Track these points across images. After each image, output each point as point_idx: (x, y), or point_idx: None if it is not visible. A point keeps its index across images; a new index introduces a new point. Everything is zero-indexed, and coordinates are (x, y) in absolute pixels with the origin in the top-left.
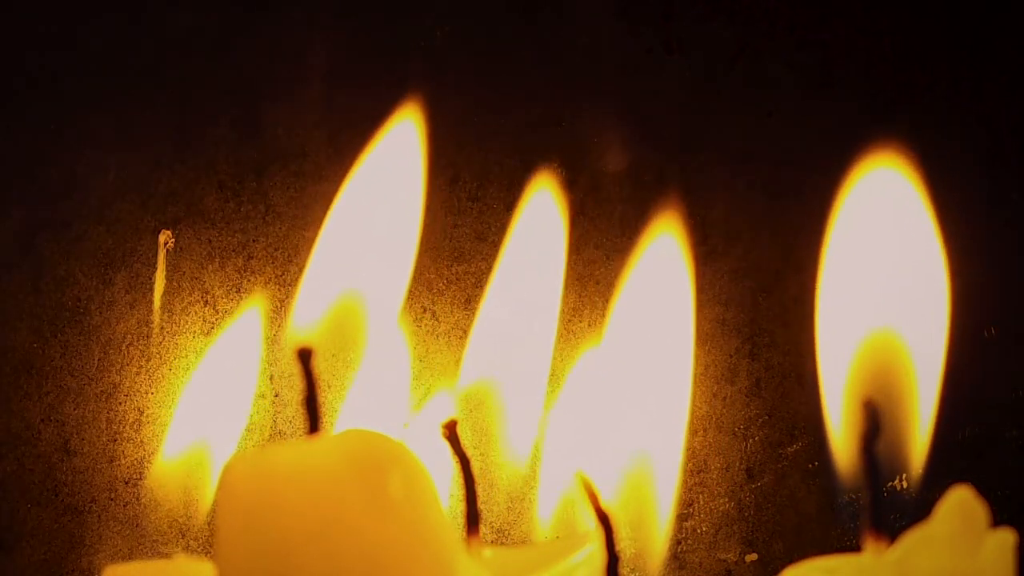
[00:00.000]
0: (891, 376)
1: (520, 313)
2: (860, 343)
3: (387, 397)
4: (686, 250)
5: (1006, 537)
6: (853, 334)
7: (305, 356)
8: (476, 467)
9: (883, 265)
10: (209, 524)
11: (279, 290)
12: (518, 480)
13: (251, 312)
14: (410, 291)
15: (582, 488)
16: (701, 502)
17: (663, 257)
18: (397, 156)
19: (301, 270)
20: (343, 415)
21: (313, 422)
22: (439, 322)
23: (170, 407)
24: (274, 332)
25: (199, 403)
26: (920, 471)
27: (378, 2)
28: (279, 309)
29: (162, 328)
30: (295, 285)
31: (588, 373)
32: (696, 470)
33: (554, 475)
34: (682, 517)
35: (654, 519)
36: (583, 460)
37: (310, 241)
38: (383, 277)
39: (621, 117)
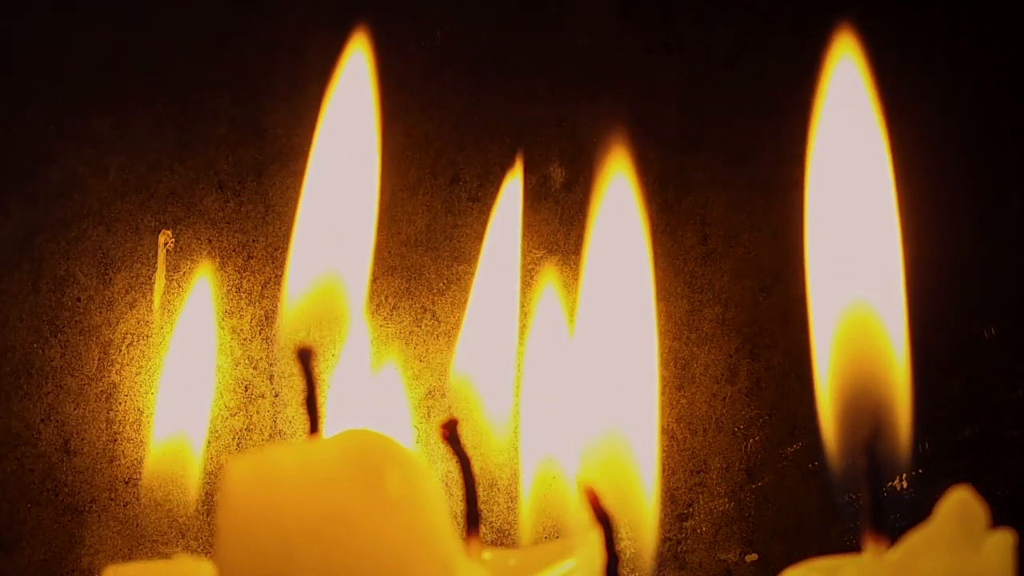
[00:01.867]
0: (872, 356)
1: (494, 311)
2: (842, 320)
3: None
4: (641, 207)
5: (1006, 537)
6: (836, 311)
7: (305, 356)
8: (476, 467)
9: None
10: (209, 523)
11: (279, 290)
12: (515, 477)
13: (202, 292)
14: (410, 291)
15: (582, 489)
16: (701, 502)
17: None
18: (351, 137)
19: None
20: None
21: (313, 422)
22: (439, 322)
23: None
24: (274, 332)
25: (172, 395)
26: (920, 471)
27: (378, 2)
28: (279, 309)
29: (162, 328)
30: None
31: (553, 359)
32: (696, 470)
33: (533, 459)
34: (682, 517)
35: (639, 497)
36: (558, 443)
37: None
38: (351, 261)
39: (621, 117)
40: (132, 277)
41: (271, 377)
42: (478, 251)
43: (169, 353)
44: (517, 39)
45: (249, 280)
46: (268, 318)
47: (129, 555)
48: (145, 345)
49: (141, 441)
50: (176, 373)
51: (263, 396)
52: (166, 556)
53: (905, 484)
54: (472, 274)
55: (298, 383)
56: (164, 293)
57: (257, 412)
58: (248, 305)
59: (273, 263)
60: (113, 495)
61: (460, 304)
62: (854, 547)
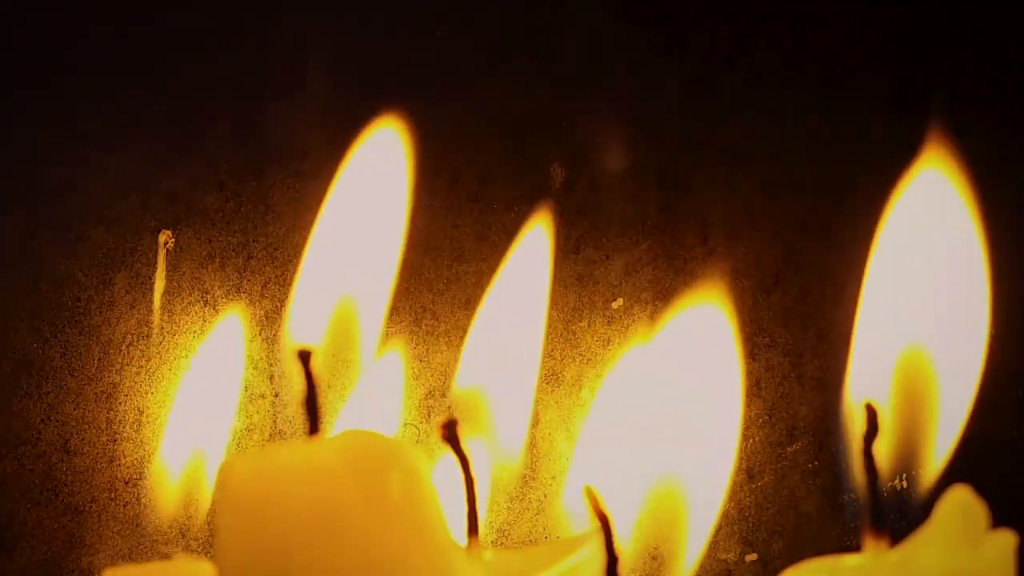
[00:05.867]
0: (913, 385)
1: (511, 317)
2: (893, 359)
3: (382, 400)
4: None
5: (1006, 538)
6: (886, 350)
7: (305, 356)
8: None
9: (922, 277)
10: (209, 524)
11: (279, 290)
12: (518, 480)
13: (234, 318)
14: (410, 291)
15: (584, 491)
16: None
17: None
18: (385, 156)
19: (299, 272)
20: (342, 418)
21: (313, 422)
22: (439, 322)
23: (170, 407)
24: (274, 332)
25: (191, 406)
26: (920, 471)
27: (378, 1)
28: (279, 309)
29: (162, 328)
30: (294, 286)
31: (629, 382)
32: None
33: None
34: None
35: (680, 547)
36: (612, 473)
37: (309, 242)
38: (372, 280)
39: (621, 117)
40: (132, 277)
41: (271, 377)
42: (478, 251)
43: (191, 372)
44: (517, 39)
45: (249, 280)
46: (268, 318)
47: (129, 555)
48: (145, 345)
49: (141, 441)
50: (198, 393)
51: (263, 396)
52: (166, 556)
53: (905, 484)
54: (471, 273)
55: (298, 383)
56: (164, 293)
57: (257, 412)
58: (248, 305)
59: (273, 263)
60: (113, 495)
61: (460, 304)
62: (854, 547)
